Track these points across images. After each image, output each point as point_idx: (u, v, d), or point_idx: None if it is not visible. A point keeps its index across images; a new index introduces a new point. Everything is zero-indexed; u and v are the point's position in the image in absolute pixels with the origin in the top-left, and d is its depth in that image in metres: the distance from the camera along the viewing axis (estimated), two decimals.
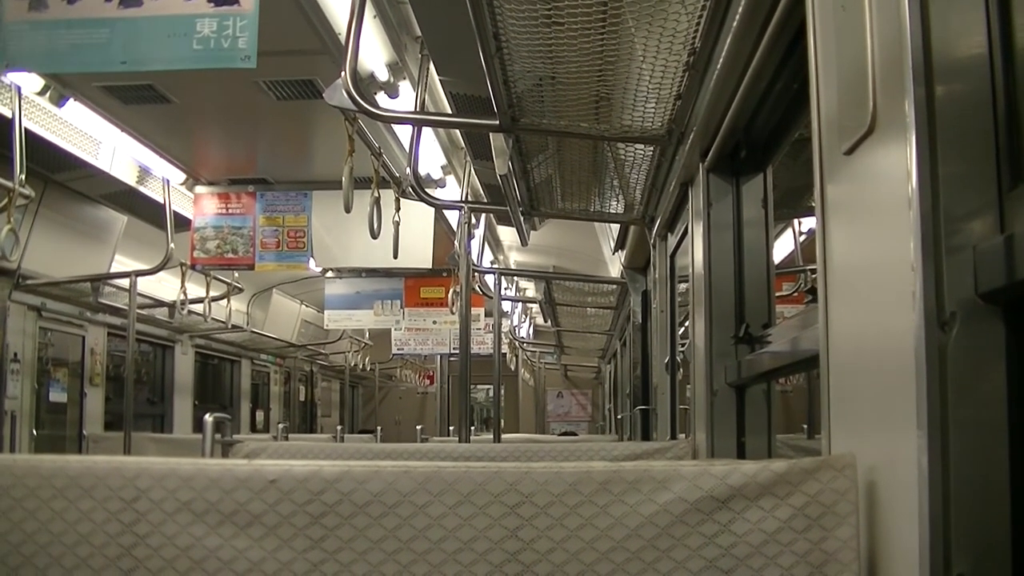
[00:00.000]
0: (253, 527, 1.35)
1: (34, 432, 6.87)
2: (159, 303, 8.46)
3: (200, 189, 6.86)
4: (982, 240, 1.07)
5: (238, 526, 1.35)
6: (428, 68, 4.22)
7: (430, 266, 6.96)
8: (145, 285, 7.50)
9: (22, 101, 4.71)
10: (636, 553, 1.29)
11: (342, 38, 3.69)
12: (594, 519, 1.31)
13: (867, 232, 1.29)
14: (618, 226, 5.91)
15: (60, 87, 4.84)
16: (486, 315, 10.39)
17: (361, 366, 15.31)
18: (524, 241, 5.45)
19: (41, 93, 4.81)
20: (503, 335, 9.35)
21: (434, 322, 10.23)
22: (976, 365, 1.05)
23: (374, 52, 4.26)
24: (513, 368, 14.20)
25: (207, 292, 8.51)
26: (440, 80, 4.34)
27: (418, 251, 6.62)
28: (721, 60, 2.23)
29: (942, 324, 1.06)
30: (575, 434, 14.41)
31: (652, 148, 3.41)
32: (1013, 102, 1.09)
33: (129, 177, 6.29)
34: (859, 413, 1.31)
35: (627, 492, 1.32)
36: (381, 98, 4.50)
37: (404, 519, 1.34)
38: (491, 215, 7.01)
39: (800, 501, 1.27)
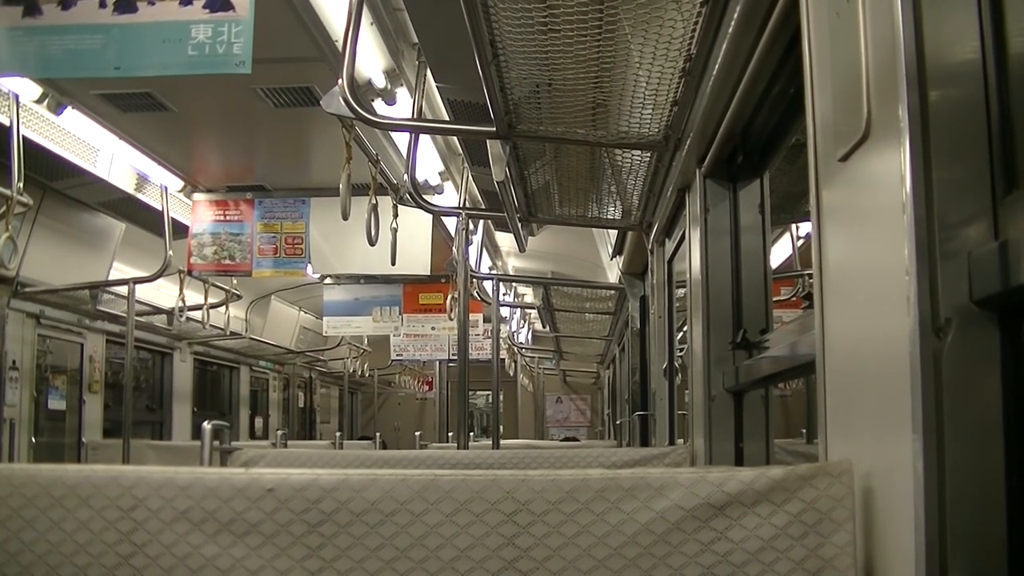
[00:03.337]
0: (251, 536, 1.35)
1: (33, 440, 6.87)
2: (157, 310, 8.47)
3: (198, 196, 6.86)
4: (977, 246, 1.07)
5: (236, 535, 1.35)
6: (425, 75, 4.22)
7: (428, 272, 6.96)
8: (143, 292, 7.50)
9: (20, 109, 4.71)
10: (633, 560, 1.29)
11: (339, 45, 3.70)
12: (591, 526, 1.31)
13: (862, 238, 1.29)
14: (616, 232, 5.91)
15: (58, 95, 4.84)
16: (484, 321, 10.39)
17: (360, 372, 15.30)
18: (522, 247, 5.44)
19: (39, 101, 4.81)
20: (502, 341, 9.37)
21: (433, 328, 10.23)
22: (971, 371, 1.05)
23: (371, 59, 4.27)
24: (512, 374, 14.21)
25: (205, 299, 8.53)
26: (437, 87, 4.34)
27: (416, 257, 6.63)
28: (717, 66, 2.23)
29: (937, 330, 1.06)
30: (577, 439, 14.40)
31: (649, 154, 3.42)
32: (1007, 108, 1.09)
33: (127, 185, 6.30)
34: (856, 419, 1.31)
35: (624, 499, 1.32)
36: (378, 105, 4.51)
37: (401, 527, 1.33)
38: (489, 221, 7.01)
39: (797, 507, 1.27)
